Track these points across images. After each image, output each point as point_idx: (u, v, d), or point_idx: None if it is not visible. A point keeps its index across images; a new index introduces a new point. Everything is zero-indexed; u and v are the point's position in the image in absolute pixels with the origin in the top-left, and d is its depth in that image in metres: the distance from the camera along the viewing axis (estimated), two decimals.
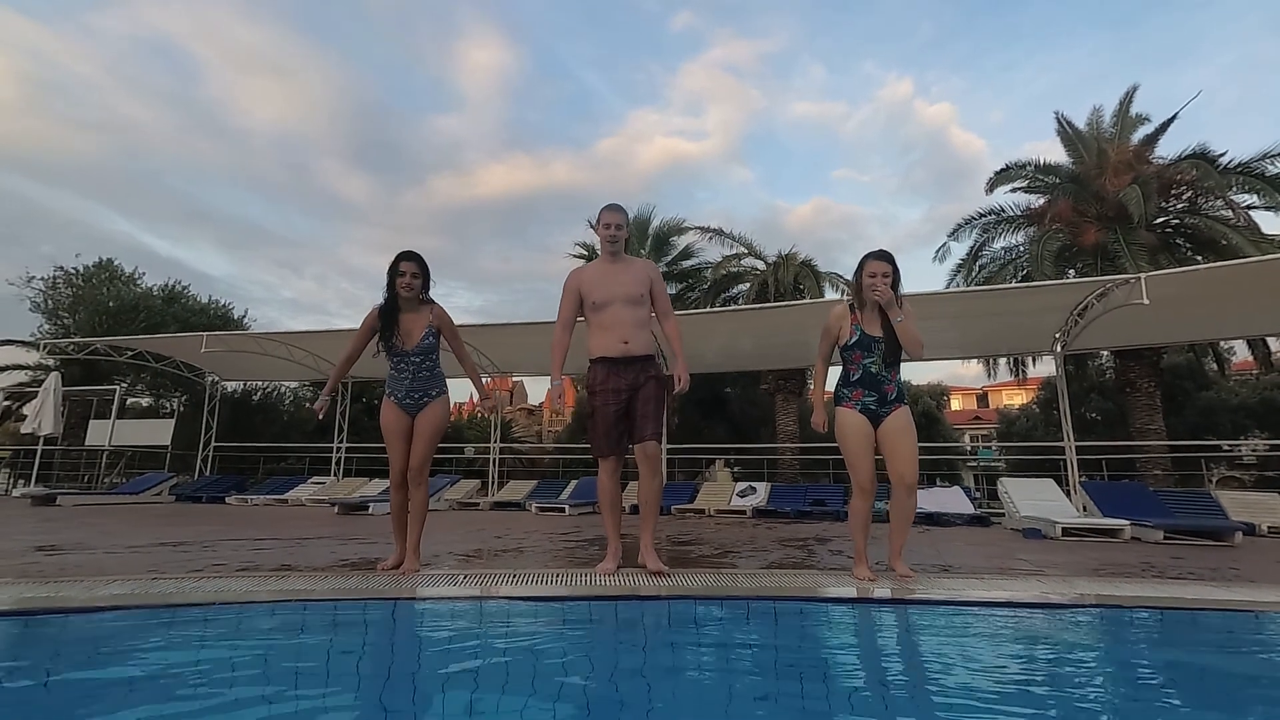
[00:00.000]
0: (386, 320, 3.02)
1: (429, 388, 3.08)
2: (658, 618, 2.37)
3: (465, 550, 4.14)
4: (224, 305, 17.67)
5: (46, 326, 15.38)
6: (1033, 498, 6.83)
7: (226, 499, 10.77)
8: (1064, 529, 5.31)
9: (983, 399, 40.64)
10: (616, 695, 1.54)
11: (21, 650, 1.85)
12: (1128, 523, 5.20)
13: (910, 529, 3.09)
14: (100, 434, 13.36)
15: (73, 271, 15.96)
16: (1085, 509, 6.82)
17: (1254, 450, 15.73)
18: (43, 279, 15.67)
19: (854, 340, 2.91)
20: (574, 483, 10.59)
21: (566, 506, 8.87)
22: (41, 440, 12.57)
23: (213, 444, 13.61)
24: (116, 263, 16.63)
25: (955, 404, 39.66)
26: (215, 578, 2.77)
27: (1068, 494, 7.52)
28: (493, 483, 11.97)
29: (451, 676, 1.64)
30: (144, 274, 16.99)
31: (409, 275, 3.00)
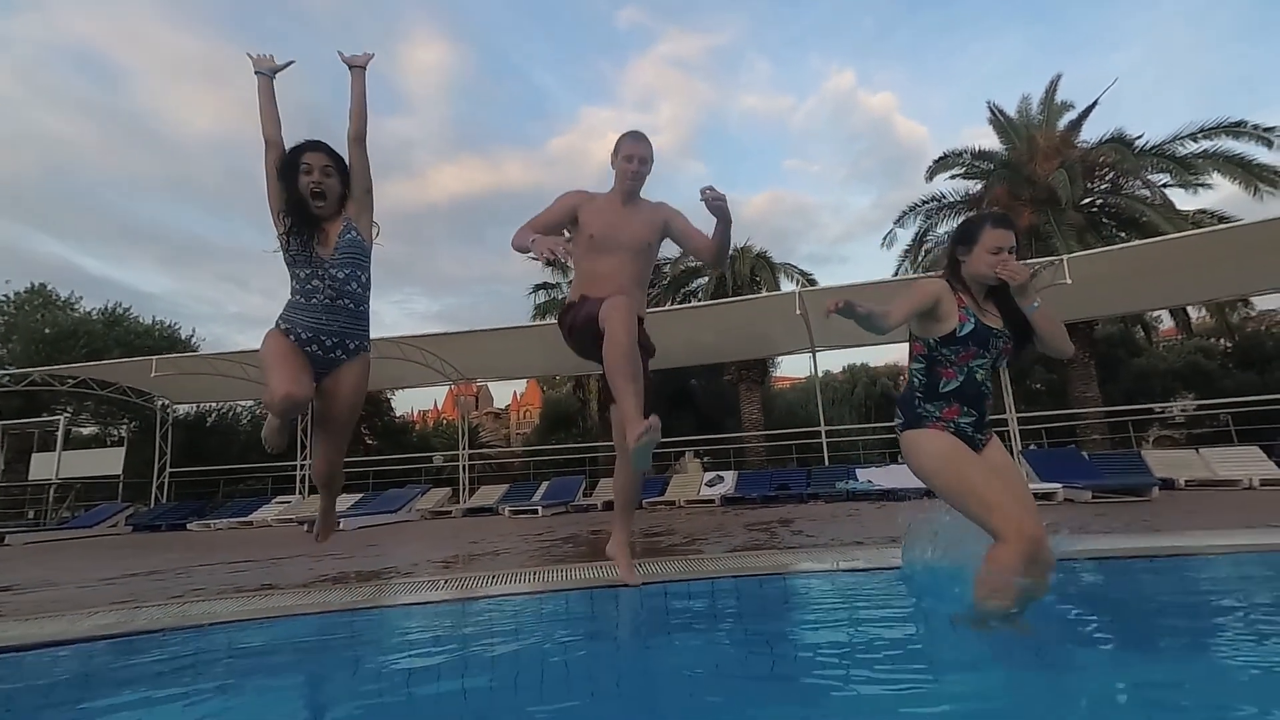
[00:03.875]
0: (299, 213, 2.08)
1: (353, 332, 2.14)
2: (631, 604, 2.56)
3: (443, 557, 4.25)
4: (169, 326, 17.05)
5: None
6: None
7: (188, 525, 10.49)
8: None
9: None
10: (601, 670, 1.73)
11: (39, 684, 1.92)
12: (1060, 486, 5.65)
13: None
14: (45, 467, 12.78)
15: (3, 299, 15.14)
16: (1024, 475, 7.32)
17: (1183, 410, 16.90)
18: None
19: (966, 332, 1.91)
20: (545, 484, 10.70)
21: (539, 508, 8.99)
22: None
23: (168, 470, 13.18)
24: (50, 288, 15.85)
25: None
26: (197, 602, 2.83)
27: None
28: (464, 489, 11.97)
29: (459, 665, 1.79)
30: (81, 298, 16.27)
31: (318, 173, 2.08)
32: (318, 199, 2.08)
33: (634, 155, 2.41)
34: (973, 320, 1.92)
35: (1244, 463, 7.09)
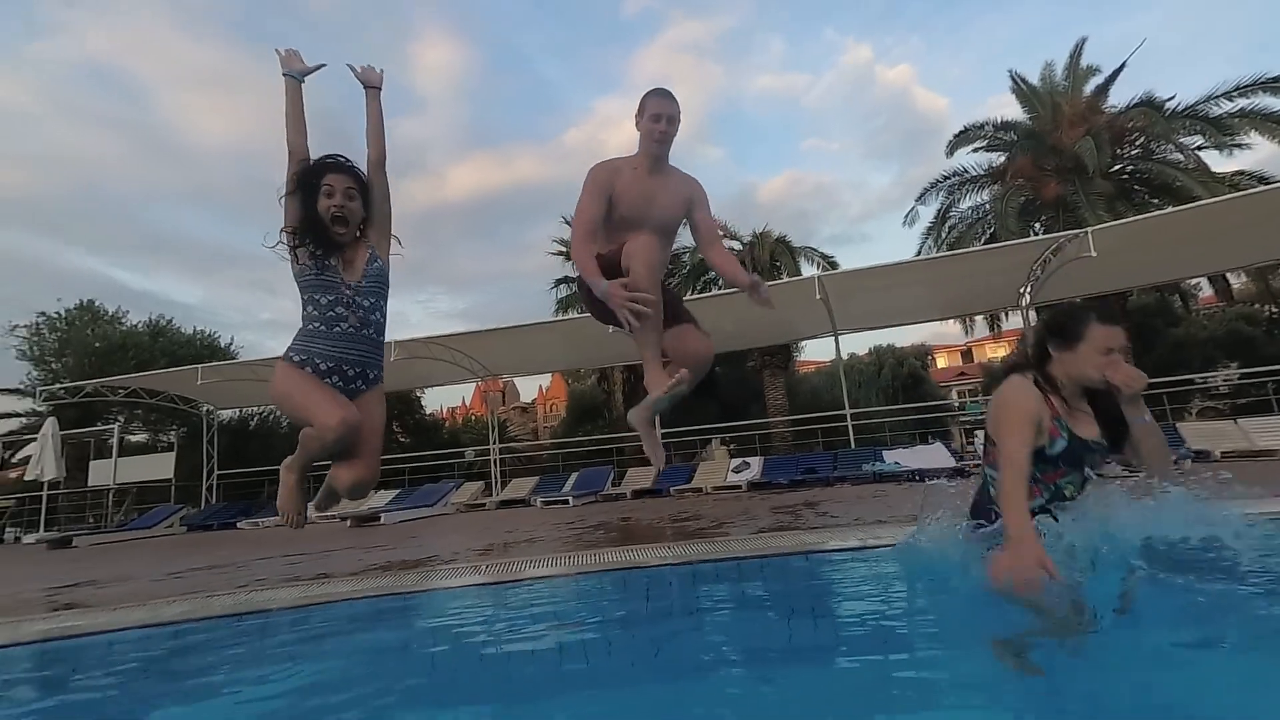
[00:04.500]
0: (319, 236, 1.96)
1: (374, 362, 2.05)
2: (661, 581, 2.71)
3: (482, 546, 4.47)
4: (210, 335, 17.77)
5: (35, 373, 15.41)
6: None
7: (238, 524, 11.01)
8: None
9: (967, 355, 41.36)
10: (630, 640, 1.89)
11: (134, 664, 2.16)
12: None
13: None
14: (102, 473, 13.52)
15: (55, 316, 15.97)
16: None
17: (1226, 380, 16.36)
18: (26, 326, 15.67)
19: (1058, 451, 1.69)
20: (574, 475, 10.94)
21: (570, 498, 9.22)
22: (45, 485, 12.74)
23: (216, 473, 13.81)
24: (98, 303, 16.65)
25: (940, 362, 40.34)
26: (262, 590, 3.08)
27: None
28: (496, 482, 12.29)
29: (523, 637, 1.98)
30: (128, 312, 17.03)
31: (340, 195, 1.96)
32: (338, 224, 1.95)
33: (661, 114, 2.19)
34: (1065, 436, 1.68)
35: None
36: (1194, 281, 17.35)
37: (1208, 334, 19.54)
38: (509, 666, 1.73)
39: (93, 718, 1.58)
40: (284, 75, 2.08)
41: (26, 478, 13.14)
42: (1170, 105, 12.33)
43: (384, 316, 2.07)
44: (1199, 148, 12.49)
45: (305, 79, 2.11)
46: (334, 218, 1.94)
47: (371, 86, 2.20)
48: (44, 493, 12.90)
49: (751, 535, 3.67)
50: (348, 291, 1.96)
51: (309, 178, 1.95)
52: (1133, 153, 13.11)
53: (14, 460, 16.63)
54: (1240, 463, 6.48)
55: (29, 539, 12.13)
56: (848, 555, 2.83)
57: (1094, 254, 6.39)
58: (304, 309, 1.97)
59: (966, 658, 1.54)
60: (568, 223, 17.44)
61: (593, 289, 2.09)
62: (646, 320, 2.02)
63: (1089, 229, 6.56)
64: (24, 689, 1.97)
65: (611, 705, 1.43)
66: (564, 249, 17.06)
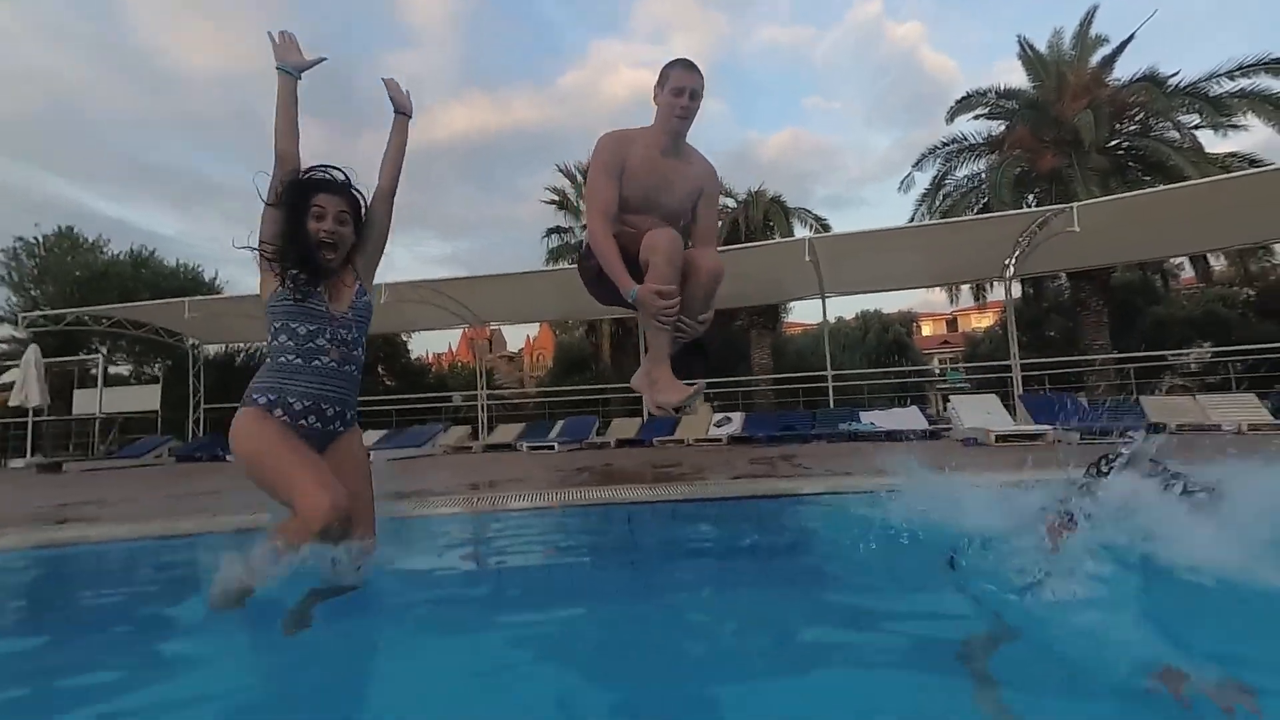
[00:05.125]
0: (303, 257, 1.74)
1: (352, 400, 1.84)
2: (643, 517, 2.94)
3: (475, 481, 4.69)
4: (194, 268, 17.48)
5: (14, 299, 15.16)
6: (978, 412, 7.60)
7: (226, 457, 11.18)
8: (997, 436, 6.05)
9: (952, 324, 41.88)
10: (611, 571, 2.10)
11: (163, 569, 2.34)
12: (1050, 428, 5.95)
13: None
14: (87, 403, 13.53)
15: (34, 242, 15.58)
16: (1021, 419, 7.62)
17: (1194, 360, 16.88)
18: (3, 251, 15.30)
19: None
20: (560, 423, 11.20)
21: (555, 445, 9.49)
22: (30, 412, 12.75)
23: (203, 406, 13.89)
24: (76, 230, 16.24)
25: (926, 329, 40.86)
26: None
27: (1013, 408, 8.33)
28: (482, 428, 12.53)
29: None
30: (109, 241, 16.65)
31: (331, 219, 1.75)
32: (327, 249, 1.74)
33: (685, 88, 2.03)
34: None
35: (1238, 408, 7.31)
36: (1176, 261, 17.66)
37: (1185, 314, 20.02)
38: (500, 580, 1.94)
39: (130, 611, 1.76)
40: (277, 69, 1.82)
41: (11, 403, 13.13)
42: (1174, 81, 12.27)
43: (365, 353, 1.86)
44: (1196, 127, 12.52)
45: (302, 75, 1.86)
46: (322, 242, 1.73)
47: (401, 112, 2.02)
48: (29, 419, 12.92)
49: (728, 480, 3.91)
50: (333, 323, 1.74)
51: (298, 195, 1.73)
52: (1131, 128, 13.09)
53: None
54: (1191, 434, 6.86)
55: (17, 463, 12.22)
56: (813, 500, 3.07)
57: (1078, 229, 6.54)
58: (273, 339, 1.72)
59: (901, 591, 1.76)
60: (562, 171, 17.16)
61: (620, 292, 2.00)
62: (664, 310, 1.96)
63: (1074, 204, 6.69)
64: (55, 587, 2.15)
65: (593, 616, 1.64)
66: (557, 197, 16.85)
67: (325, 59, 1.91)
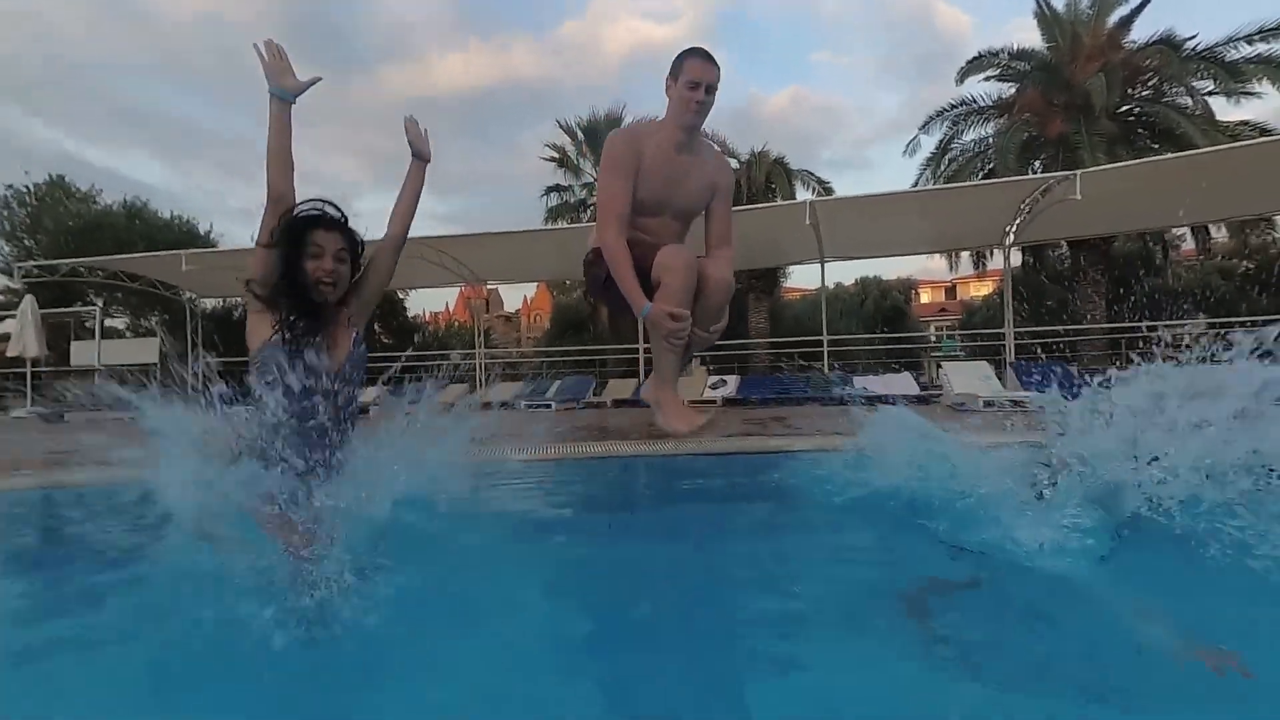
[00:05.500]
0: (300, 302, 1.62)
1: (340, 450, 1.71)
2: (636, 471, 3.05)
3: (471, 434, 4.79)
4: (188, 220, 17.26)
5: (7, 249, 15.02)
6: (969, 378, 7.71)
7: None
8: (985, 402, 6.17)
9: (951, 291, 41.77)
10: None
11: None
12: (1035, 394, 6.05)
13: None
14: (85, 354, 13.56)
15: (25, 190, 15.33)
16: (1011, 386, 7.74)
17: (1182, 331, 16.96)
18: None
19: None
20: (558, 382, 11.30)
21: (553, 404, 9.62)
22: (29, 363, 12.80)
23: (201, 359, 13.96)
24: (68, 179, 15.96)
25: (925, 297, 40.78)
26: None
27: (1005, 376, 8.44)
28: (480, 386, 12.65)
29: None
30: (101, 190, 16.38)
31: (330, 259, 1.62)
32: (325, 287, 1.61)
33: (701, 82, 1.93)
34: None
35: None
36: (1179, 233, 17.56)
37: (1183, 285, 20.03)
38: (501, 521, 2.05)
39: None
40: (270, 94, 1.62)
41: (9, 354, 13.16)
42: (1190, 45, 11.96)
43: (358, 408, 1.76)
44: (1209, 93, 12.27)
45: (297, 99, 1.66)
46: (320, 283, 1.60)
47: (420, 158, 1.89)
48: (28, 370, 12.97)
49: (720, 439, 4.02)
50: (330, 378, 1.61)
51: (294, 231, 1.58)
52: (1144, 93, 12.83)
53: None
54: None
55: (19, 412, 12.34)
56: (800, 455, 3.18)
57: (1079, 198, 6.51)
58: (260, 393, 1.55)
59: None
60: (562, 127, 16.79)
61: (633, 308, 1.93)
62: (675, 332, 1.91)
63: (1077, 172, 6.64)
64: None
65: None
66: (556, 154, 16.54)
67: (321, 79, 1.71)
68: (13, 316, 12.68)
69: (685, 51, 1.96)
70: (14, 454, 4.44)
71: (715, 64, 1.96)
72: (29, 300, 12.23)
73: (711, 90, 1.96)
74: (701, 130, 2.10)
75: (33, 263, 13.39)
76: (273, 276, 1.60)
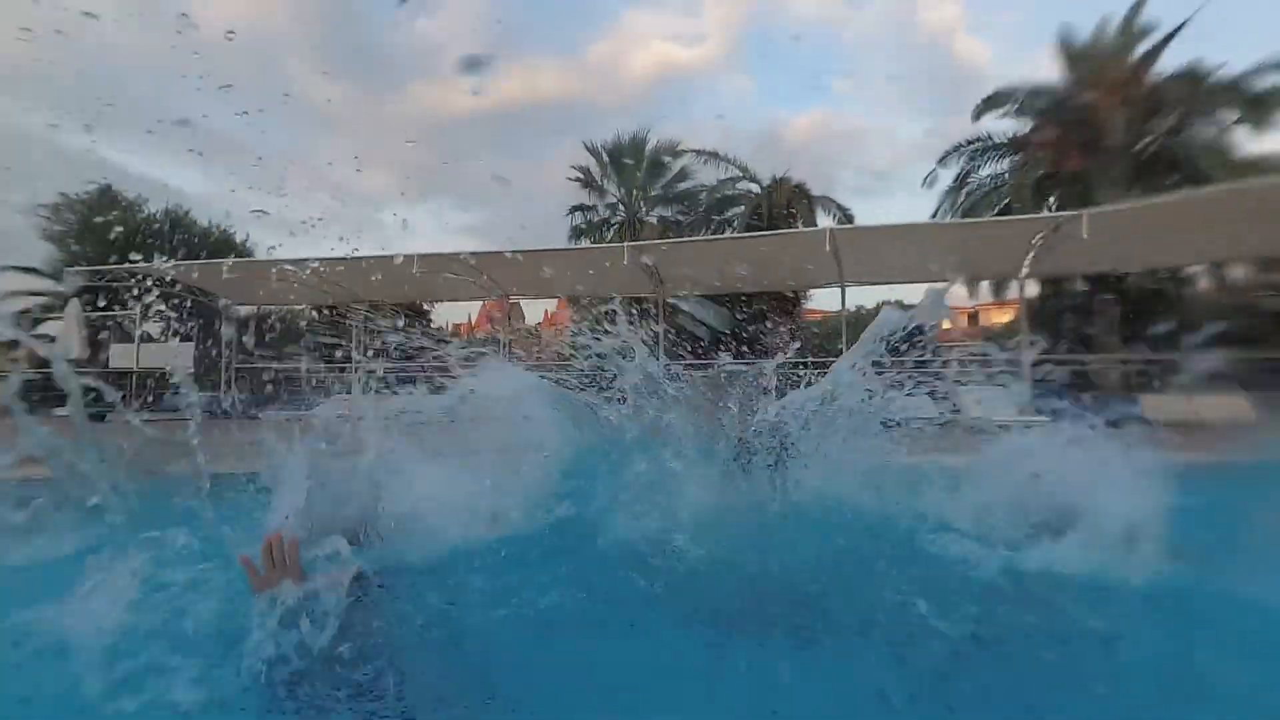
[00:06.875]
0: None
1: None
2: None
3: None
4: (224, 229, 17.94)
5: (57, 254, 15.77)
6: (986, 403, 7.92)
7: (258, 416, 11.73)
8: (999, 425, 6.35)
9: (973, 318, 41.65)
10: None
11: None
12: (1046, 418, 6.24)
13: None
14: (124, 357, 14.13)
15: (75, 198, 16.13)
16: (1025, 411, 7.90)
17: (1200, 363, 16.82)
18: (47, 206, 15.89)
19: None
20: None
21: None
22: (72, 365, 13.37)
23: (234, 365, 14.47)
24: (115, 188, 16.74)
25: (946, 324, 40.67)
26: None
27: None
28: None
29: None
30: (146, 200, 17.14)
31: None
32: None
33: None
34: None
35: (1226, 408, 7.59)
36: (1195, 269, 17.53)
37: (1198, 318, 19.89)
38: None
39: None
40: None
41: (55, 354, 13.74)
42: (1217, 76, 12.01)
43: None
44: (1237, 121, 12.21)
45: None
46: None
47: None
48: (67, 369, 13.52)
49: None
50: None
51: None
52: (1166, 125, 12.86)
53: (34, 337, 17.17)
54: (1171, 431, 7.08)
55: (61, 411, 12.84)
56: None
57: (1085, 237, 6.71)
58: None
59: None
60: (587, 148, 17.29)
61: None
62: None
63: (1084, 211, 6.86)
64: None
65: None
66: (581, 175, 17.03)
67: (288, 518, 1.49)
68: (58, 319, 13.28)
69: None
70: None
71: None
72: (74, 303, 12.82)
73: None
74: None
75: (79, 268, 14.04)
76: None
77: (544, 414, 2.36)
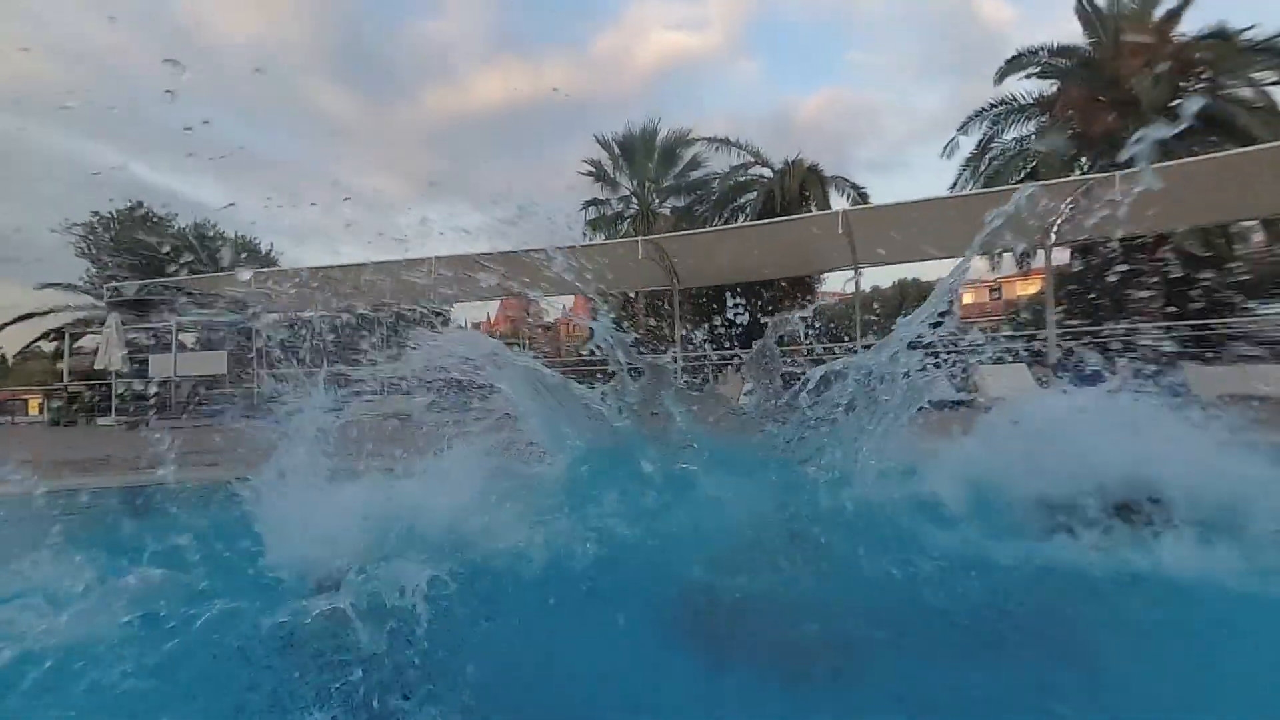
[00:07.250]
0: None
1: None
2: None
3: None
4: (251, 240, 18.43)
5: (92, 270, 16.40)
6: (1005, 381, 7.67)
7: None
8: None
9: (996, 291, 40.52)
10: None
11: None
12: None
13: None
14: (162, 367, 14.68)
15: (109, 216, 16.74)
16: (1052, 386, 7.63)
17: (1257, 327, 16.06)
18: (81, 224, 16.52)
19: None
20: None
21: None
22: (114, 375, 13.93)
23: (265, 372, 14.89)
24: (146, 205, 17.34)
25: (967, 298, 39.68)
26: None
27: (1043, 378, 8.31)
28: None
29: None
30: (176, 214, 17.73)
31: None
32: None
33: None
34: None
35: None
36: (1248, 223, 16.66)
37: (1252, 278, 18.91)
38: None
39: None
40: None
41: (96, 366, 14.33)
42: (1248, 36, 11.49)
43: None
44: (1273, 83, 11.71)
45: None
46: None
47: None
48: (113, 381, 14.10)
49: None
50: None
51: None
52: (1197, 87, 12.36)
53: (75, 351, 17.95)
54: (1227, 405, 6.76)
55: (105, 421, 13.43)
56: None
57: (1119, 198, 6.42)
58: None
59: None
60: (600, 142, 17.22)
61: None
62: None
63: (1118, 173, 6.55)
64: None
65: None
66: (593, 169, 16.98)
67: None
68: (96, 332, 13.83)
69: None
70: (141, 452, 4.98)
71: None
72: (114, 317, 13.33)
73: None
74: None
75: (116, 283, 14.58)
76: None
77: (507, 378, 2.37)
